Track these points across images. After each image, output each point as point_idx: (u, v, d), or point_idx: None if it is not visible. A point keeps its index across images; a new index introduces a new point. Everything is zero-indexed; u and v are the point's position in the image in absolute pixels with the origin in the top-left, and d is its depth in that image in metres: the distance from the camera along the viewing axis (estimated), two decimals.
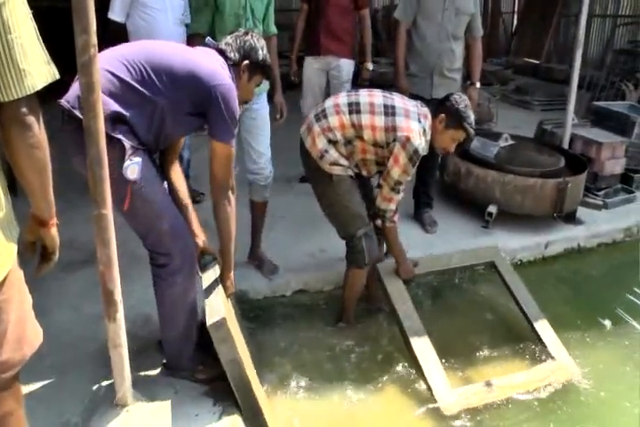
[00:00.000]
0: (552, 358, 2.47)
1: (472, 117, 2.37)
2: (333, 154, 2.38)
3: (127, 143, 1.76)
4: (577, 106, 4.39)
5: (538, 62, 8.76)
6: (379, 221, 2.48)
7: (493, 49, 9.62)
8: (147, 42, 2.14)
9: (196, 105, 1.87)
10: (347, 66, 3.71)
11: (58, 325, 2.44)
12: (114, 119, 1.74)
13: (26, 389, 2.05)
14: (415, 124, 2.32)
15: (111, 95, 1.74)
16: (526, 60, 9.02)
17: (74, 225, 2.94)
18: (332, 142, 2.37)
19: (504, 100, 7.00)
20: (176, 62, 1.84)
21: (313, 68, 3.78)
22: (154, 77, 1.79)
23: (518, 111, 6.67)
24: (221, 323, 1.84)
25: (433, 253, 3.11)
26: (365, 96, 2.40)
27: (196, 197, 2.61)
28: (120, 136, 1.75)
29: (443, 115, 2.37)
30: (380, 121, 2.32)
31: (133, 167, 1.76)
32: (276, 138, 2.94)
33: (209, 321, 1.85)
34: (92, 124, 1.47)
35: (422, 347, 2.38)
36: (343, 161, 2.40)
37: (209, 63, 1.90)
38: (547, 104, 6.77)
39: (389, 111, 2.34)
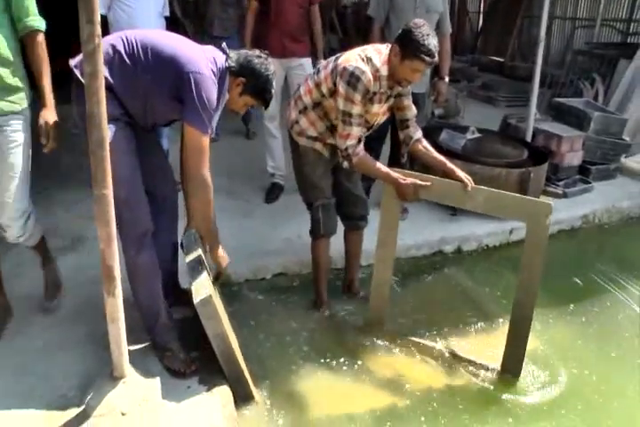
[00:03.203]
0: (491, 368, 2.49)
1: (429, 44, 2.19)
2: (302, 124, 2.49)
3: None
4: (539, 102, 4.64)
5: (502, 60, 9.01)
6: (345, 164, 2.41)
7: (460, 47, 9.88)
8: (151, 29, 2.27)
9: (177, 88, 1.97)
10: (309, 64, 3.71)
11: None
12: None
13: (21, 367, 2.14)
14: (352, 56, 2.32)
15: (103, 62, 1.85)
16: (492, 58, 9.27)
17: (55, 214, 3.01)
18: (303, 112, 2.48)
19: (471, 96, 7.22)
20: (164, 44, 1.99)
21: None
22: (141, 53, 1.95)
23: (484, 107, 6.91)
24: (207, 300, 1.93)
25: (404, 243, 3.24)
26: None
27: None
28: None
29: (397, 46, 2.25)
30: (328, 69, 2.40)
31: None
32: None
33: (196, 298, 1.93)
34: (96, 109, 1.56)
35: (379, 281, 2.52)
36: (311, 131, 2.48)
37: (193, 53, 2.00)
38: (511, 100, 7.02)
39: (337, 57, 2.42)
